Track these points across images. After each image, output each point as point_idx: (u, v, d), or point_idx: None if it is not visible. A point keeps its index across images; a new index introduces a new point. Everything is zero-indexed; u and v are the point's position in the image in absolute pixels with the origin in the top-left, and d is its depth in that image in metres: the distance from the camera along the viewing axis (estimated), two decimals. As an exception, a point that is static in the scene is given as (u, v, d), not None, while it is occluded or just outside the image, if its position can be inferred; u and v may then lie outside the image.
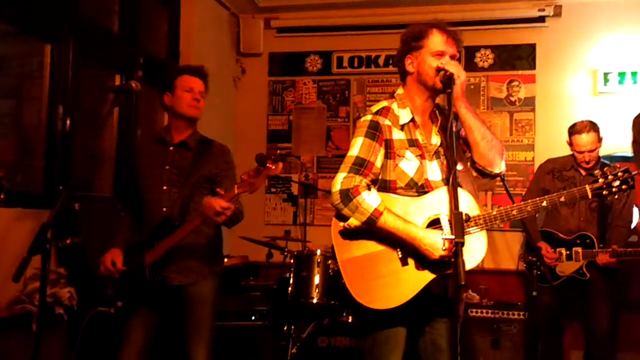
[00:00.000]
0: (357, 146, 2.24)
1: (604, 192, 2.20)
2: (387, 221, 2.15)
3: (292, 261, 3.90)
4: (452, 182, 2.06)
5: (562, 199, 2.21)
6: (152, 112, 4.56)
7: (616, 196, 2.29)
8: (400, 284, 2.19)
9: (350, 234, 2.23)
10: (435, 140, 2.35)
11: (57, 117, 3.42)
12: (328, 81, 5.34)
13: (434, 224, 2.23)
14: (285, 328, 3.91)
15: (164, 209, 2.76)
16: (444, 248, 2.11)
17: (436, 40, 2.28)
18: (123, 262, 2.74)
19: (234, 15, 5.37)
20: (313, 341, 3.63)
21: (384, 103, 2.34)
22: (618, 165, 2.23)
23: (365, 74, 5.26)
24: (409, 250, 2.21)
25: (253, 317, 3.91)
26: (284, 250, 4.17)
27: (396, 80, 5.41)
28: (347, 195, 2.15)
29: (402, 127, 2.30)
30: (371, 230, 2.18)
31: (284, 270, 4.16)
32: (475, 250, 2.19)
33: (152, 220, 2.77)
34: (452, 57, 2.27)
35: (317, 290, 3.74)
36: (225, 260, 4.18)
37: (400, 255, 2.21)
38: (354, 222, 2.17)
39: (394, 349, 2.27)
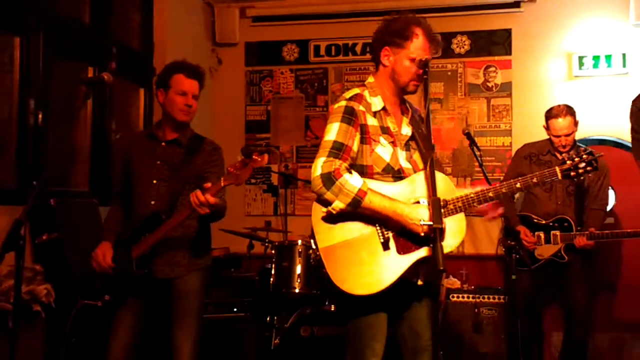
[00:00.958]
0: (333, 131, 2.23)
1: (572, 174, 2.27)
2: (373, 200, 2.14)
3: (273, 252, 3.89)
4: (429, 167, 2.10)
5: (535, 180, 2.28)
6: (126, 104, 4.49)
7: (582, 177, 2.33)
8: (381, 269, 2.18)
9: (331, 221, 2.21)
10: (406, 131, 2.38)
11: (29, 111, 3.36)
12: (305, 70, 5.30)
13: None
14: (267, 319, 3.91)
15: (152, 202, 2.78)
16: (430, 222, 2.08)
17: (417, 45, 2.28)
18: (114, 256, 2.74)
19: (209, 5, 5.31)
20: (296, 331, 3.63)
21: (356, 90, 2.34)
22: (583, 148, 2.31)
23: (343, 62, 5.23)
24: (395, 228, 2.20)
25: (235, 309, 3.90)
26: (265, 241, 4.15)
27: (374, 67, 5.42)
28: (329, 178, 2.13)
29: (374, 114, 2.31)
30: (354, 212, 2.16)
31: (265, 261, 4.15)
32: (455, 233, 2.22)
33: (141, 214, 2.78)
34: (427, 62, 2.26)
35: (299, 280, 3.75)
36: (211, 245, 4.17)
37: (381, 240, 2.21)
38: (338, 205, 2.13)
39: (377, 335, 2.27)
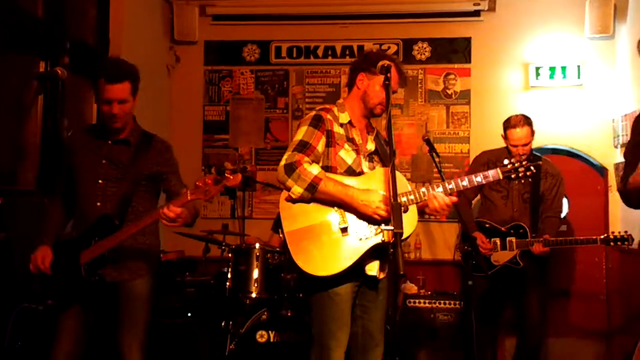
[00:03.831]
0: (301, 133, 2.52)
1: (512, 175, 2.53)
2: (327, 185, 2.41)
3: (230, 255, 3.82)
4: (390, 170, 2.24)
5: (479, 178, 2.53)
6: (79, 101, 4.33)
7: (522, 180, 2.57)
8: (340, 252, 2.40)
9: (296, 207, 2.44)
10: (370, 146, 2.65)
11: (-24, 106, 3.20)
12: (266, 71, 5.24)
13: None
14: (222, 324, 3.83)
15: (98, 204, 2.67)
16: (378, 204, 2.36)
17: (392, 80, 2.50)
18: (55, 259, 2.63)
19: (168, 1, 5.19)
20: (252, 336, 3.57)
21: (326, 106, 2.64)
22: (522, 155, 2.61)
23: (304, 64, 5.19)
24: (352, 210, 2.42)
25: (189, 314, 3.80)
26: (222, 245, 4.06)
27: (335, 71, 5.42)
28: (291, 167, 2.41)
29: (341, 125, 2.60)
30: (313, 198, 2.41)
31: (221, 264, 4.06)
32: (407, 224, 2.33)
33: (87, 216, 2.68)
34: (394, 92, 2.57)
35: (256, 285, 3.69)
36: (161, 256, 4.05)
37: (341, 226, 2.43)
38: (297, 189, 2.39)
39: (343, 327, 2.45)
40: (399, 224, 2.00)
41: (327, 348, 2.42)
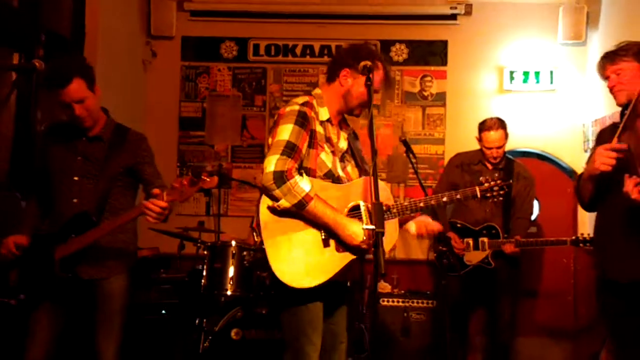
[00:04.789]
0: (287, 131, 2.32)
1: (487, 194, 2.61)
2: (317, 207, 2.27)
3: (205, 253, 3.80)
4: (372, 172, 2.19)
5: (458, 196, 2.60)
6: (54, 94, 4.25)
7: (495, 199, 2.67)
8: (321, 265, 2.32)
9: (277, 215, 2.30)
10: (343, 144, 2.55)
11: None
12: (244, 69, 5.22)
13: (354, 209, 2.41)
14: (197, 321, 3.81)
15: (74, 200, 2.64)
16: (363, 238, 2.29)
17: (376, 79, 2.44)
18: (29, 254, 2.60)
19: (145, -5, 5.14)
20: (226, 334, 3.56)
21: (305, 97, 2.45)
22: (497, 175, 2.79)
23: (282, 62, 5.19)
24: (334, 235, 2.34)
25: (163, 311, 3.77)
26: (198, 242, 4.04)
27: (313, 70, 5.42)
28: (281, 177, 2.23)
29: (321, 123, 2.46)
30: (297, 213, 2.27)
31: (196, 262, 4.04)
32: (387, 237, 2.31)
33: (63, 212, 2.64)
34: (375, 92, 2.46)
35: (231, 283, 3.67)
36: (137, 253, 4.01)
37: (323, 237, 2.34)
38: (284, 204, 2.24)
39: (317, 330, 2.39)
40: (380, 223, 1.99)
41: (304, 353, 2.37)
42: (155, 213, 2.46)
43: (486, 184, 2.60)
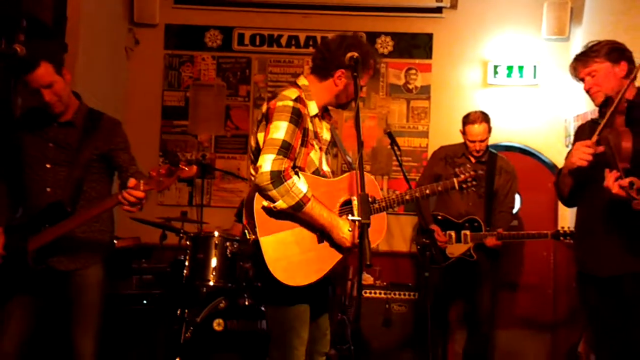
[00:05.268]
0: (282, 130, 2.26)
1: (464, 186, 2.69)
2: (314, 208, 2.25)
3: (188, 243, 3.77)
4: (358, 164, 2.18)
5: (439, 188, 2.67)
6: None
7: (472, 186, 2.73)
8: (314, 261, 2.31)
9: (271, 213, 2.27)
10: (327, 136, 2.53)
11: None
12: (228, 58, 5.17)
13: (346, 204, 2.41)
14: (178, 312, 3.79)
15: (48, 189, 2.59)
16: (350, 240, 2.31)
17: (365, 77, 2.44)
18: (2, 245, 2.53)
19: (128, -18, 5.06)
20: (209, 325, 3.54)
21: (295, 91, 2.37)
22: (469, 166, 2.75)
23: (267, 53, 5.15)
24: (327, 235, 2.33)
25: (145, 301, 3.74)
26: (180, 232, 4.01)
27: (298, 61, 5.38)
28: (279, 177, 2.18)
29: (311, 119, 2.42)
30: (293, 214, 2.25)
31: (178, 252, 4.01)
32: (376, 230, 2.37)
33: (36, 201, 2.58)
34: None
35: (214, 273, 3.66)
36: (116, 242, 3.96)
37: (318, 234, 2.32)
38: (281, 205, 2.20)
39: (304, 325, 2.39)
40: (366, 214, 1.99)
41: (293, 347, 2.36)
42: (131, 203, 2.40)
43: (462, 176, 2.68)
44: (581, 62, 2.60)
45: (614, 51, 2.55)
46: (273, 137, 2.25)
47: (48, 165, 2.60)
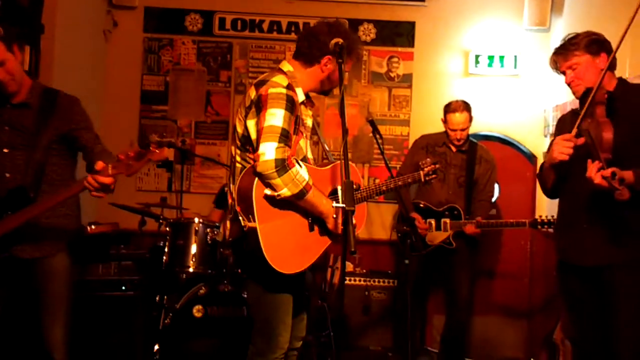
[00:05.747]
0: (280, 117, 2.25)
1: (427, 178, 2.87)
2: (315, 195, 2.29)
3: (167, 229, 3.74)
4: (343, 151, 2.18)
5: (409, 179, 2.85)
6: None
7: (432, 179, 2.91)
8: (306, 249, 2.37)
9: (270, 201, 2.27)
10: (309, 122, 2.54)
11: None
12: (209, 42, 5.11)
13: (333, 194, 2.47)
14: (157, 298, 3.77)
15: (7, 175, 2.48)
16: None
17: (349, 64, 2.46)
18: None
19: (106, -38, 4.95)
20: (188, 311, 3.53)
21: (285, 79, 2.37)
22: (429, 161, 2.91)
23: (249, 38, 5.10)
24: (317, 220, 2.39)
25: (123, 287, 3.71)
26: (160, 218, 3.97)
27: (280, 47, 5.34)
28: (284, 165, 2.18)
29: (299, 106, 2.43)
30: (293, 202, 2.26)
31: (157, 238, 3.98)
32: (357, 218, 2.38)
33: None
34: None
35: (193, 260, 3.64)
36: (93, 227, 3.91)
37: (309, 221, 2.37)
38: (286, 193, 2.21)
39: (289, 311, 2.43)
40: (350, 201, 1.99)
41: (277, 334, 2.38)
42: (97, 189, 2.28)
43: (426, 168, 2.85)
44: (561, 56, 2.60)
45: (594, 43, 2.55)
46: (272, 124, 2.23)
47: (5, 150, 2.49)
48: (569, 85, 2.63)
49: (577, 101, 2.64)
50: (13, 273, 2.52)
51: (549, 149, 2.66)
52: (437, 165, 2.90)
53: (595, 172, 2.22)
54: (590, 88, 2.48)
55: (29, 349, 2.72)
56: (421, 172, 2.85)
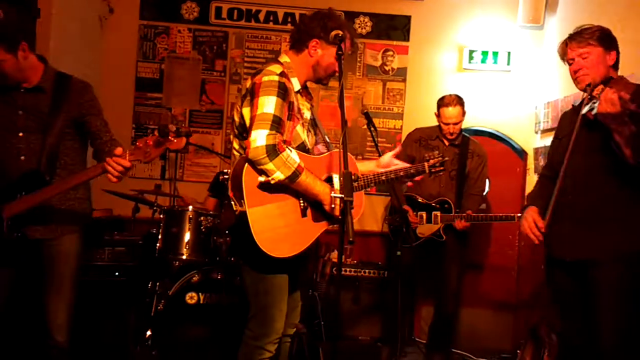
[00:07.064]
0: (271, 104, 2.29)
1: (433, 170, 2.82)
2: (308, 177, 2.32)
3: (161, 216, 3.76)
4: (342, 142, 2.21)
5: (412, 170, 2.77)
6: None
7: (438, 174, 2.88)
8: (298, 234, 2.37)
9: (261, 187, 2.30)
10: (307, 114, 2.55)
11: None
12: (205, 31, 5.11)
13: (328, 180, 2.47)
14: (150, 284, 3.79)
15: (22, 158, 2.52)
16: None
17: (344, 47, 2.41)
18: None
19: (103, -52, 4.93)
20: (181, 298, 3.56)
21: (279, 67, 2.41)
22: (436, 153, 2.86)
23: (245, 27, 5.10)
24: (312, 204, 2.40)
25: (117, 273, 3.73)
26: (154, 205, 3.99)
27: (276, 37, 5.34)
28: (274, 150, 2.22)
29: (294, 94, 2.45)
30: (286, 185, 2.29)
31: (151, 225, 4.00)
32: (355, 207, 2.37)
33: (10, 171, 2.51)
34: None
35: (187, 247, 3.66)
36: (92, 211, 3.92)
37: (301, 206, 2.39)
38: (279, 176, 2.24)
39: (284, 297, 2.46)
40: (349, 192, 2.02)
41: (272, 320, 2.42)
42: (117, 172, 2.32)
43: (432, 160, 2.80)
44: (576, 41, 2.54)
45: (607, 37, 2.53)
46: (264, 111, 2.27)
47: (21, 134, 2.53)
48: (575, 72, 2.57)
49: (569, 100, 2.68)
50: (24, 253, 2.56)
51: (522, 213, 2.78)
52: (446, 158, 2.87)
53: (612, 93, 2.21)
54: (592, 84, 2.49)
55: (31, 330, 2.75)
56: (426, 164, 2.80)
